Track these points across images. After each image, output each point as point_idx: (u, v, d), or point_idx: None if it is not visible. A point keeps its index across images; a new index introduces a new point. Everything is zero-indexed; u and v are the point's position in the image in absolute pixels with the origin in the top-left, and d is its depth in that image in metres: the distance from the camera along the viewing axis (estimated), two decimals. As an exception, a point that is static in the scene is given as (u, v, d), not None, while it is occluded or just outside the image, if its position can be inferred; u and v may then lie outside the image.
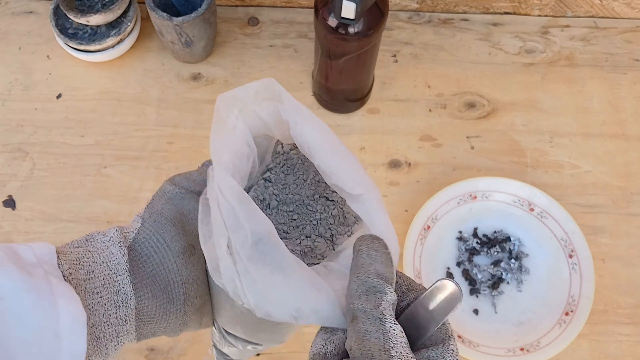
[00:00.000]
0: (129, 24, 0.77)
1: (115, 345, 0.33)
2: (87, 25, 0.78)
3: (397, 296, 0.30)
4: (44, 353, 0.29)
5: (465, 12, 0.86)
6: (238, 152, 0.34)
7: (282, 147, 0.38)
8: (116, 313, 0.33)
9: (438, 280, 0.29)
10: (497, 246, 0.71)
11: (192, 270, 0.35)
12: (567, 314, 0.67)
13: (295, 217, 0.37)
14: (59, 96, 0.80)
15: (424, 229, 0.71)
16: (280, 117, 0.34)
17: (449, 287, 0.28)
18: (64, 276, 0.31)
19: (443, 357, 0.27)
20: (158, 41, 0.83)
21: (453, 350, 0.28)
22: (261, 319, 0.31)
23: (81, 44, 0.76)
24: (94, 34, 0.78)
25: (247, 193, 0.36)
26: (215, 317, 0.39)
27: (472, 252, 0.71)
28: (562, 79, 0.82)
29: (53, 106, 0.79)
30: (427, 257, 0.70)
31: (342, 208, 0.38)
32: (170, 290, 0.35)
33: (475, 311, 0.69)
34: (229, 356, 0.42)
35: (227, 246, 0.32)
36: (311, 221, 0.37)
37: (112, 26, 0.78)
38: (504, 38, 0.85)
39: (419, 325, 0.29)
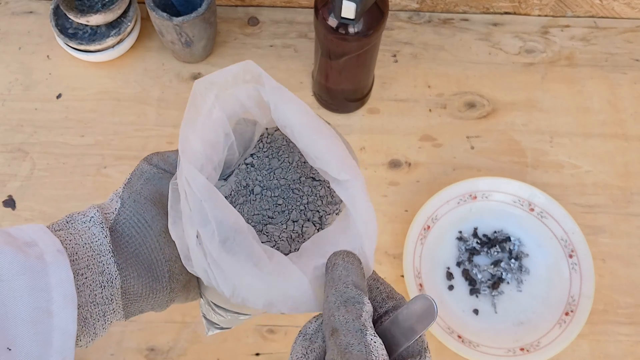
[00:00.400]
0: (129, 24, 0.77)
1: (103, 325, 0.34)
2: (87, 25, 0.78)
3: (377, 303, 0.31)
4: (39, 332, 0.30)
5: (465, 12, 0.86)
6: (212, 140, 0.33)
7: (267, 129, 0.38)
8: (102, 293, 0.33)
9: (416, 296, 0.29)
10: (497, 246, 0.71)
11: (175, 248, 0.35)
12: (567, 313, 0.67)
13: (280, 202, 0.36)
14: (59, 96, 0.80)
15: (424, 229, 0.71)
16: (262, 99, 0.33)
17: (425, 302, 0.28)
18: None
19: None
20: (158, 41, 0.83)
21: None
22: None
23: (81, 44, 0.76)
24: (94, 34, 0.78)
25: (228, 179, 0.36)
26: (203, 291, 0.39)
27: (472, 252, 0.71)
28: (562, 78, 0.82)
29: (53, 106, 0.79)
30: (427, 257, 0.70)
31: (328, 187, 0.37)
32: (155, 269, 0.35)
33: (475, 311, 0.69)
34: (218, 325, 0.42)
35: (197, 237, 0.32)
36: (298, 206, 0.36)
37: (112, 26, 0.78)
38: (504, 38, 0.85)
39: (395, 338, 0.29)
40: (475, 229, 0.72)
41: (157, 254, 0.35)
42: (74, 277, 0.32)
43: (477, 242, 0.72)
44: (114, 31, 0.77)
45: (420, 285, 0.68)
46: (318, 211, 0.36)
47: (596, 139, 0.78)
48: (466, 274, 0.70)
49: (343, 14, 0.60)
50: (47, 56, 0.82)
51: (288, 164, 0.37)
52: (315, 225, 0.36)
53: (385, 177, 0.76)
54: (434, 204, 0.71)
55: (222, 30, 0.84)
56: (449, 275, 0.70)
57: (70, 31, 0.78)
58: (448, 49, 0.84)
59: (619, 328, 0.68)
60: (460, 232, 0.72)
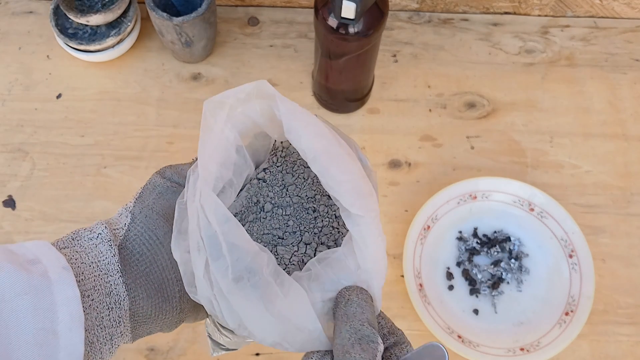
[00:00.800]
0: (129, 24, 0.77)
1: (110, 348, 0.32)
2: (87, 25, 0.78)
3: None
4: (44, 354, 0.28)
5: (465, 12, 0.86)
6: (226, 160, 0.32)
7: (282, 143, 0.36)
8: (109, 315, 0.31)
9: (428, 343, 0.28)
10: (497, 246, 0.71)
11: None
12: (567, 314, 0.67)
13: (290, 222, 0.34)
14: (59, 96, 0.80)
15: (424, 229, 0.71)
16: (275, 116, 0.32)
17: (437, 352, 0.28)
18: None
19: None
20: (158, 41, 0.83)
21: None
22: None
23: (81, 44, 0.76)
24: (94, 34, 0.78)
25: (239, 194, 0.34)
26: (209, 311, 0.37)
27: (472, 252, 0.71)
28: (562, 79, 0.82)
29: (53, 106, 0.79)
30: (427, 257, 0.70)
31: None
32: (165, 289, 0.33)
33: (475, 311, 0.69)
34: (224, 345, 0.40)
35: (205, 267, 0.30)
36: (312, 228, 0.34)
37: (112, 26, 0.78)
38: (504, 38, 0.84)
39: None
40: (475, 229, 0.72)
41: (169, 272, 0.33)
42: (85, 297, 0.31)
43: (477, 242, 0.72)
44: (114, 31, 0.77)
45: (420, 285, 0.68)
46: (333, 234, 0.34)
47: (596, 139, 0.78)
48: (466, 274, 0.70)
49: (343, 14, 0.60)
50: (47, 56, 0.82)
51: (303, 180, 0.35)
52: (329, 248, 0.34)
53: (385, 177, 0.76)
54: (434, 204, 0.71)
55: (222, 30, 0.84)
56: (449, 275, 0.70)
57: (70, 31, 0.78)
58: (448, 49, 0.84)
59: (619, 328, 0.68)
60: (460, 232, 0.72)
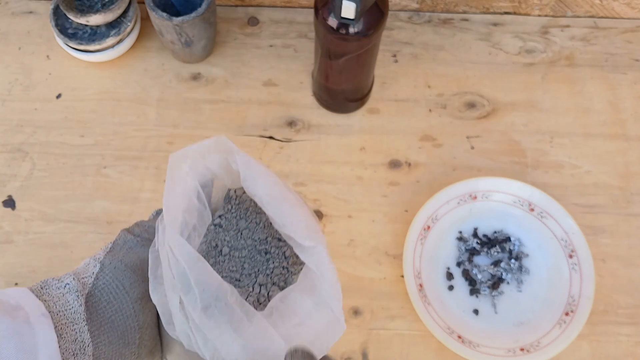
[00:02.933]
0: (129, 24, 0.77)
1: None
2: (86, 25, 0.78)
3: None
4: (26, 353, 0.31)
5: (465, 12, 0.86)
6: (189, 207, 0.36)
7: (235, 192, 0.39)
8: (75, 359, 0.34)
9: None
10: (497, 246, 0.71)
11: (148, 315, 0.37)
12: (567, 314, 0.67)
13: (246, 264, 0.37)
14: (58, 96, 0.80)
15: (424, 229, 0.71)
16: (230, 167, 0.36)
17: None
18: None
19: None
20: (158, 41, 0.83)
21: None
22: None
23: (81, 44, 0.76)
24: (93, 34, 0.78)
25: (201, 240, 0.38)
26: (166, 354, 0.40)
27: (472, 252, 0.71)
28: (562, 79, 0.82)
29: (53, 106, 0.79)
30: (427, 257, 0.70)
31: (293, 250, 0.38)
32: (127, 336, 0.36)
33: (475, 311, 0.69)
34: None
35: (180, 302, 0.32)
36: (264, 269, 0.37)
37: (111, 26, 0.78)
38: (504, 38, 0.84)
39: None
40: (475, 229, 0.72)
41: (132, 320, 0.36)
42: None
43: (477, 242, 0.72)
44: (113, 31, 0.77)
45: (420, 285, 0.68)
46: (283, 274, 0.37)
47: (596, 139, 0.78)
48: (466, 274, 0.70)
49: (343, 14, 0.60)
50: (47, 56, 0.82)
51: (255, 224, 0.38)
52: (280, 289, 0.37)
53: (385, 177, 0.76)
54: (434, 204, 0.71)
55: (222, 30, 0.84)
56: (449, 276, 0.70)
57: (70, 31, 0.78)
58: (448, 49, 0.84)
59: (620, 328, 0.68)
60: (460, 232, 0.72)
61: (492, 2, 0.84)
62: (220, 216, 0.38)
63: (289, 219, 0.34)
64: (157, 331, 0.38)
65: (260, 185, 0.35)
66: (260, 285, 0.37)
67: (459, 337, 0.65)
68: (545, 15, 0.86)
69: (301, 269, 0.38)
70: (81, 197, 0.74)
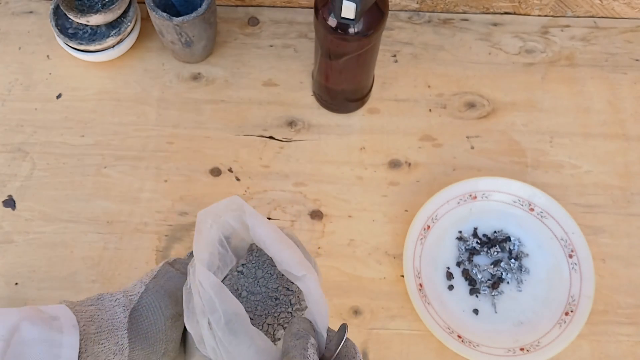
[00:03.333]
0: (129, 24, 0.77)
1: None
2: (87, 25, 0.78)
3: (327, 348, 0.41)
4: (52, 355, 0.40)
5: (465, 12, 0.86)
6: (214, 252, 0.45)
7: (257, 246, 0.48)
8: (113, 358, 0.44)
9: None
10: (497, 246, 0.71)
11: (175, 332, 0.47)
12: (567, 314, 0.67)
13: (259, 307, 0.46)
14: (59, 96, 0.80)
15: (424, 229, 0.71)
16: (243, 221, 0.46)
17: (341, 328, 0.41)
18: (80, 331, 0.42)
19: None
20: (158, 41, 0.83)
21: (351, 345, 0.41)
22: None
23: (81, 44, 0.76)
24: (94, 34, 0.78)
25: (223, 281, 0.47)
26: None
27: (472, 252, 0.71)
28: (562, 79, 0.82)
29: (53, 106, 0.79)
30: (427, 257, 0.70)
31: (298, 296, 0.47)
32: (156, 345, 0.46)
33: (475, 311, 0.69)
34: None
35: (208, 324, 0.41)
36: (273, 313, 0.46)
37: (112, 26, 0.78)
38: (504, 38, 0.85)
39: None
40: (475, 228, 0.72)
41: (162, 334, 0.46)
42: (96, 344, 0.43)
43: (477, 242, 0.72)
44: (114, 31, 0.77)
45: (420, 285, 0.68)
46: (287, 317, 0.46)
47: (596, 139, 0.78)
48: (466, 274, 0.70)
49: (343, 14, 0.60)
50: (47, 56, 0.82)
51: (269, 275, 0.48)
52: (284, 329, 0.46)
53: (385, 177, 0.76)
54: (434, 204, 0.71)
55: (222, 30, 0.84)
56: (449, 275, 0.70)
57: (70, 31, 0.78)
58: (448, 49, 0.84)
59: (619, 328, 0.68)
60: (460, 232, 0.72)
61: (492, 2, 0.84)
62: (242, 265, 0.48)
63: (285, 257, 0.44)
64: (179, 346, 0.48)
65: (263, 233, 0.45)
66: (269, 325, 0.46)
67: (459, 336, 0.65)
68: (545, 15, 0.86)
69: (302, 314, 0.47)
70: (81, 197, 0.74)
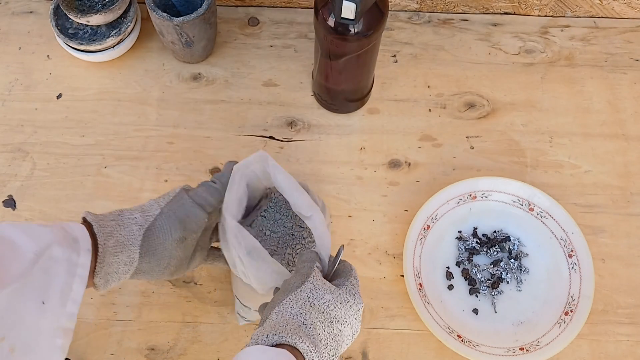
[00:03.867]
0: (129, 24, 0.77)
1: (117, 282, 0.53)
2: (87, 25, 0.78)
3: (328, 269, 0.53)
4: (68, 282, 0.48)
5: (465, 12, 0.86)
6: (241, 197, 0.58)
7: (274, 194, 0.61)
8: (124, 267, 0.53)
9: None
10: (497, 246, 0.71)
11: (179, 251, 0.55)
12: (566, 313, 0.67)
13: (280, 242, 0.60)
14: (59, 96, 0.80)
15: (424, 229, 0.71)
16: (265, 170, 0.57)
17: (338, 250, 0.53)
18: (100, 244, 0.50)
19: (348, 279, 0.51)
20: (158, 41, 0.83)
21: (354, 277, 0.52)
22: (256, 295, 0.57)
23: (81, 44, 0.76)
24: (94, 34, 0.78)
25: (252, 224, 0.60)
26: (236, 294, 0.64)
27: (472, 251, 0.71)
28: (562, 79, 0.82)
29: (53, 106, 0.79)
30: (427, 257, 0.70)
31: (309, 232, 0.60)
32: (160, 261, 0.55)
33: (475, 311, 0.69)
34: (245, 317, 0.66)
35: (238, 256, 0.55)
36: (291, 245, 0.60)
37: (112, 26, 0.78)
38: (503, 38, 0.85)
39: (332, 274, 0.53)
40: (475, 228, 0.72)
41: (167, 252, 0.55)
42: (112, 256, 0.51)
43: (476, 242, 0.72)
44: (114, 31, 0.77)
45: (420, 285, 0.68)
46: (301, 249, 0.60)
47: (596, 139, 0.78)
48: (466, 274, 0.70)
49: (343, 14, 0.60)
50: (47, 56, 0.82)
51: (286, 217, 0.60)
52: None
53: (385, 177, 0.76)
54: (433, 204, 0.71)
55: (222, 30, 0.84)
56: (449, 275, 0.70)
57: (70, 31, 0.78)
58: (448, 49, 0.84)
59: (619, 328, 0.69)
60: (460, 231, 0.72)
61: (492, 2, 0.84)
62: (264, 210, 0.60)
63: (297, 199, 0.55)
64: (182, 263, 0.56)
65: (281, 179, 0.56)
66: (288, 254, 0.59)
67: (459, 336, 0.65)
68: (545, 16, 0.86)
69: (313, 245, 0.59)
70: (81, 196, 0.74)
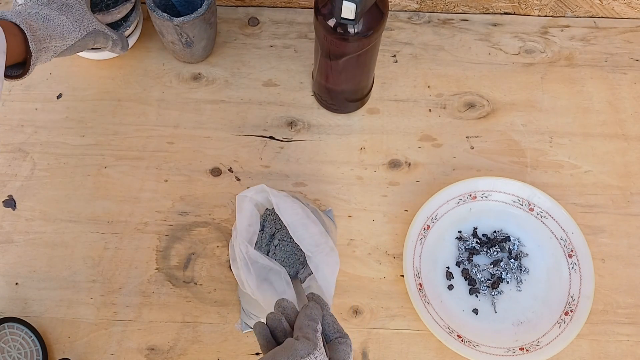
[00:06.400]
0: (130, 24, 0.77)
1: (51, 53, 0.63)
2: (87, 26, 0.78)
3: (330, 333, 0.50)
4: None
5: (465, 13, 0.86)
6: (249, 222, 0.60)
7: (271, 210, 0.64)
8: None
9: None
10: (497, 246, 0.71)
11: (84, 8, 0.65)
12: (566, 313, 0.67)
13: (289, 259, 0.62)
14: (59, 96, 0.80)
15: (424, 229, 0.71)
16: (270, 201, 0.61)
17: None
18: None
19: (341, 345, 0.48)
20: (158, 41, 0.83)
21: (348, 344, 0.49)
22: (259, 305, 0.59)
23: (81, 44, 0.76)
24: (94, 34, 0.78)
25: (263, 247, 0.63)
26: (243, 305, 0.67)
27: (472, 251, 0.71)
28: (562, 79, 0.82)
29: (53, 106, 0.79)
30: (427, 257, 0.70)
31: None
32: (60, 32, 0.62)
33: (475, 311, 0.69)
34: (248, 326, 0.67)
35: (246, 280, 0.58)
36: (297, 259, 0.62)
37: (113, 27, 0.78)
38: (503, 38, 0.85)
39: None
40: (475, 228, 0.73)
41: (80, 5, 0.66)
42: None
43: (476, 242, 0.72)
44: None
45: (420, 285, 0.68)
46: (305, 263, 0.62)
47: (596, 139, 0.78)
48: (466, 274, 0.70)
49: (343, 15, 0.60)
50: (48, 56, 0.82)
51: (292, 240, 0.62)
52: (304, 267, 0.62)
53: (385, 177, 0.76)
54: (433, 204, 0.71)
55: (222, 30, 0.84)
56: (449, 275, 0.70)
57: (70, 31, 0.78)
58: (448, 49, 0.84)
59: (619, 328, 0.69)
60: (460, 231, 0.72)
61: (492, 3, 0.84)
62: (273, 234, 0.63)
63: (300, 235, 0.59)
64: (88, 20, 0.65)
65: (285, 213, 0.59)
66: (297, 268, 0.61)
67: (459, 336, 0.65)
68: (545, 16, 0.86)
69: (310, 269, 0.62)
70: (82, 197, 0.74)
